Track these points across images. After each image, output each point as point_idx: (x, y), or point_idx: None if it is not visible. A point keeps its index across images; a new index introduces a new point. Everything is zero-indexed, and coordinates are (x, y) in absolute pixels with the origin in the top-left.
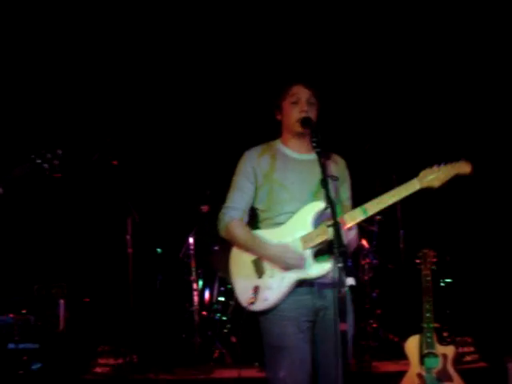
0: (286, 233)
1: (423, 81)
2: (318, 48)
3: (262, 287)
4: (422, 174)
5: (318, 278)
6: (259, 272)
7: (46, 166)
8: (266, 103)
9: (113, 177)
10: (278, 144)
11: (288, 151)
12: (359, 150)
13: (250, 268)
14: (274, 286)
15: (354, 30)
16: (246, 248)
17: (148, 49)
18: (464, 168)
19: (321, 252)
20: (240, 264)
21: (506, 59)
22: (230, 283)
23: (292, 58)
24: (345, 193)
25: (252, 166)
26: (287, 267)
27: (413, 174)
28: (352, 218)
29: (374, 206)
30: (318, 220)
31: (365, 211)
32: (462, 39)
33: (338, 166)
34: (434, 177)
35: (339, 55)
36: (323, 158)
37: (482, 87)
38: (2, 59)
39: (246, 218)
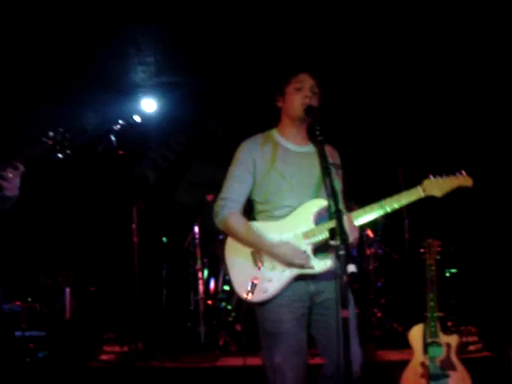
0: (287, 228)
1: (429, 73)
2: (325, 38)
3: (261, 279)
4: (425, 182)
5: (319, 274)
6: (258, 264)
7: (57, 147)
8: (268, 89)
9: (119, 166)
10: (275, 134)
11: (286, 143)
12: (365, 141)
13: (248, 259)
14: (274, 279)
15: (361, 19)
16: (246, 241)
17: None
18: (466, 181)
19: (320, 248)
20: (238, 255)
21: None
22: (227, 274)
23: (298, 46)
24: (338, 184)
25: (252, 157)
26: (291, 266)
27: (418, 165)
28: (358, 217)
29: (380, 209)
30: (320, 217)
31: (382, 207)
32: (472, 33)
33: (334, 158)
34: (436, 186)
35: (346, 46)
36: (323, 145)
37: (487, 82)
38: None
39: (242, 210)
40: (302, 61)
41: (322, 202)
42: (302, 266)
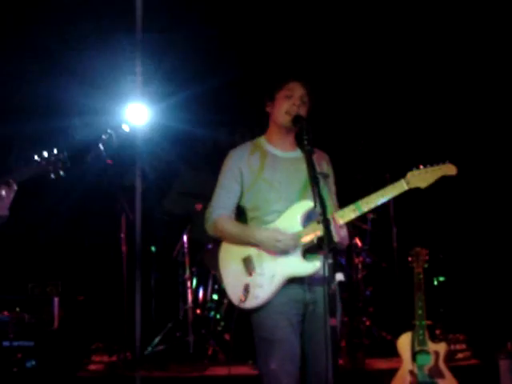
0: None
1: (415, 80)
2: (313, 46)
3: (253, 285)
4: (409, 174)
5: (309, 275)
6: (249, 270)
7: (50, 168)
8: (258, 95)
9: (107, 176)
10: (263, 142)
11: (274, 150)
12: (353, 148)
13: (239, 266)
14: (265, 284)
15: (349, 29)
16: (237, 238)
17: None
18: (450, 170)
19: (309, 250)
20: (230, 262)
21: (496, 59)
22: (221, 281)
23: (288, 54)
24: (330, 189)
25: (238, 167)
26: (280, 250)
27: (406, 172)
28: (343, 216)
29: (364, 205)
30: (307, 219)
31: (356, 208)
32: (454, 40)
33: (323, 162)
34: (420, 177)
35: (334, 54)
36: (311, 154)
37: (472, 87)
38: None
39: (232, 217)
40: (294, 68)
41: (307, 204)
42: (290, 248)
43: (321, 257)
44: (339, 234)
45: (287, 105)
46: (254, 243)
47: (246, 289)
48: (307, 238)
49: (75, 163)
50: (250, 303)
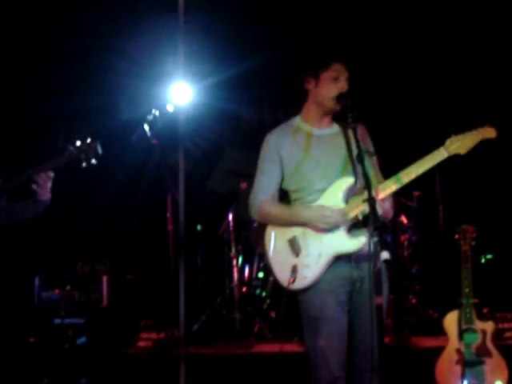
0: None
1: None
2: (355, 28)
3: (300, 266)
4: (448, 142)
5: (355, 252)
6: (295, 251)
7: (82, 156)
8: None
9: (152, 155)
10: (300, 123)
11: (312, 129)
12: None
13: (286, 248)
14: (312, 264)
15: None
16: (284, 220)
17: None
18: (489, 133)
19: (354, 226)
20: (276, 245)
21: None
22: (268, 264)
23: (332, 34)
24: (374, 164)
25: (277, 151)
26: (330, 226)
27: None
28: (384, 189)
29: (405, 177)
30: (349, 195)
31: (398, 180)
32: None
33: (366, 138)
34: (459, 144)
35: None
36: (356, 132)
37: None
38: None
39: (275, 201)
40: (340, 49)
41: (348, 180)
42: (339, 224)
43: (366, 232)
44: (382, 207)
45: (336, 88)
46: (302, 222)
47: (294, 270)
48: (352, 214)
49: (120, 143)
50: (299, 284)
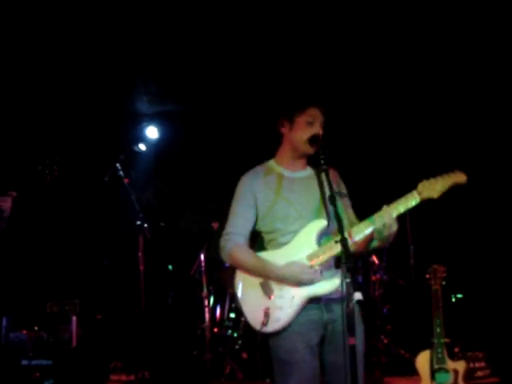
0: (291, 252)
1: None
2: (329, 66)
3: (273, 308)
4: (420, 186)
5: (328, 294)
6: (268, 293)
7: (46, 171)
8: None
9: (124, 195)
10: (273, 165)
11: (286, 171)
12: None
13: (258, 291)
14: (285, 306)
15: (363, 38)
16: (255, 272)
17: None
18: (459, 178)
19: (326, 268)
20: (247, 288)
21: None
22: (239, 307)
23: (307, 77)
24: (347, 205)
25: (252, 191)
26: (301, 284)
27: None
28: (358, 232)
29: (379, 219)
30: (321, 237)
31: (372, 222)
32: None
33: (338, 180)
34: (431, 188)
35: (352, 68)
36: (328, 174)
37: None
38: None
39: (248, 243)
40: (315, 93)
41: (321, 222)
42: (311, 282)
43: (339, 273)
44: (389, 231)
45: (309, 132)
46: (274, 279)
47: (267, 312)
48: (324, 257)
49: (93, 182)
50: (272, 327)
